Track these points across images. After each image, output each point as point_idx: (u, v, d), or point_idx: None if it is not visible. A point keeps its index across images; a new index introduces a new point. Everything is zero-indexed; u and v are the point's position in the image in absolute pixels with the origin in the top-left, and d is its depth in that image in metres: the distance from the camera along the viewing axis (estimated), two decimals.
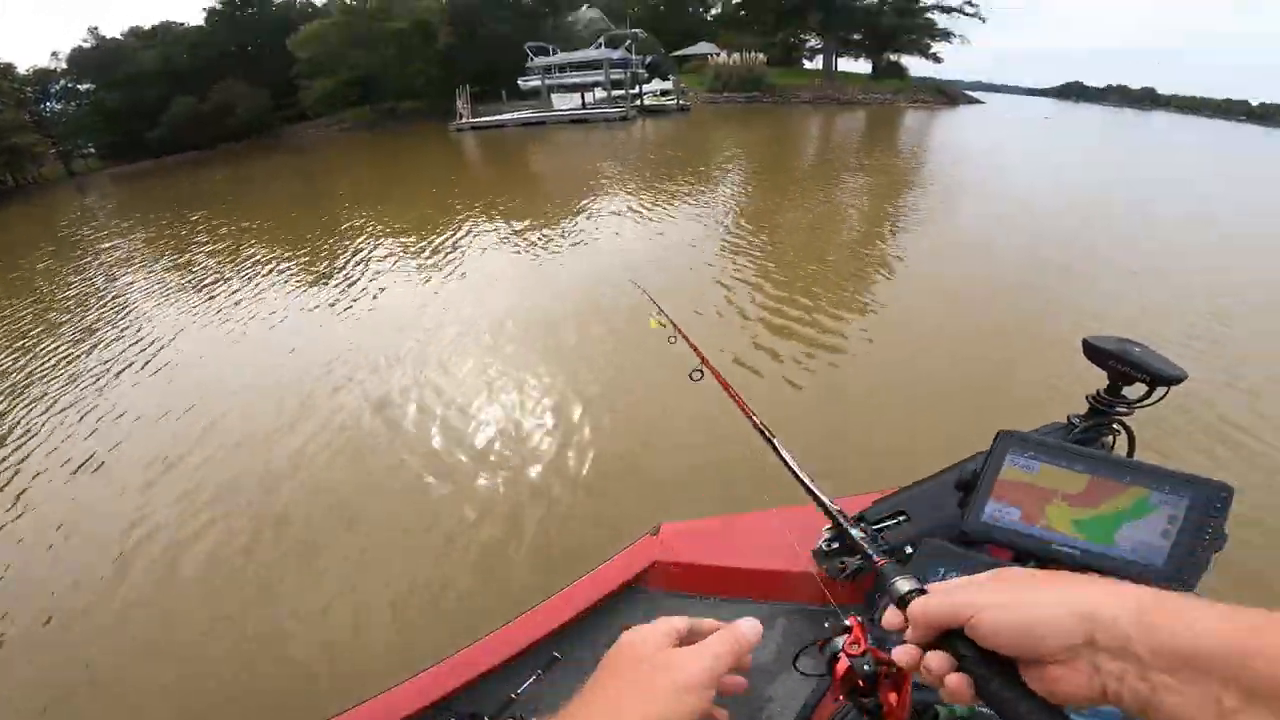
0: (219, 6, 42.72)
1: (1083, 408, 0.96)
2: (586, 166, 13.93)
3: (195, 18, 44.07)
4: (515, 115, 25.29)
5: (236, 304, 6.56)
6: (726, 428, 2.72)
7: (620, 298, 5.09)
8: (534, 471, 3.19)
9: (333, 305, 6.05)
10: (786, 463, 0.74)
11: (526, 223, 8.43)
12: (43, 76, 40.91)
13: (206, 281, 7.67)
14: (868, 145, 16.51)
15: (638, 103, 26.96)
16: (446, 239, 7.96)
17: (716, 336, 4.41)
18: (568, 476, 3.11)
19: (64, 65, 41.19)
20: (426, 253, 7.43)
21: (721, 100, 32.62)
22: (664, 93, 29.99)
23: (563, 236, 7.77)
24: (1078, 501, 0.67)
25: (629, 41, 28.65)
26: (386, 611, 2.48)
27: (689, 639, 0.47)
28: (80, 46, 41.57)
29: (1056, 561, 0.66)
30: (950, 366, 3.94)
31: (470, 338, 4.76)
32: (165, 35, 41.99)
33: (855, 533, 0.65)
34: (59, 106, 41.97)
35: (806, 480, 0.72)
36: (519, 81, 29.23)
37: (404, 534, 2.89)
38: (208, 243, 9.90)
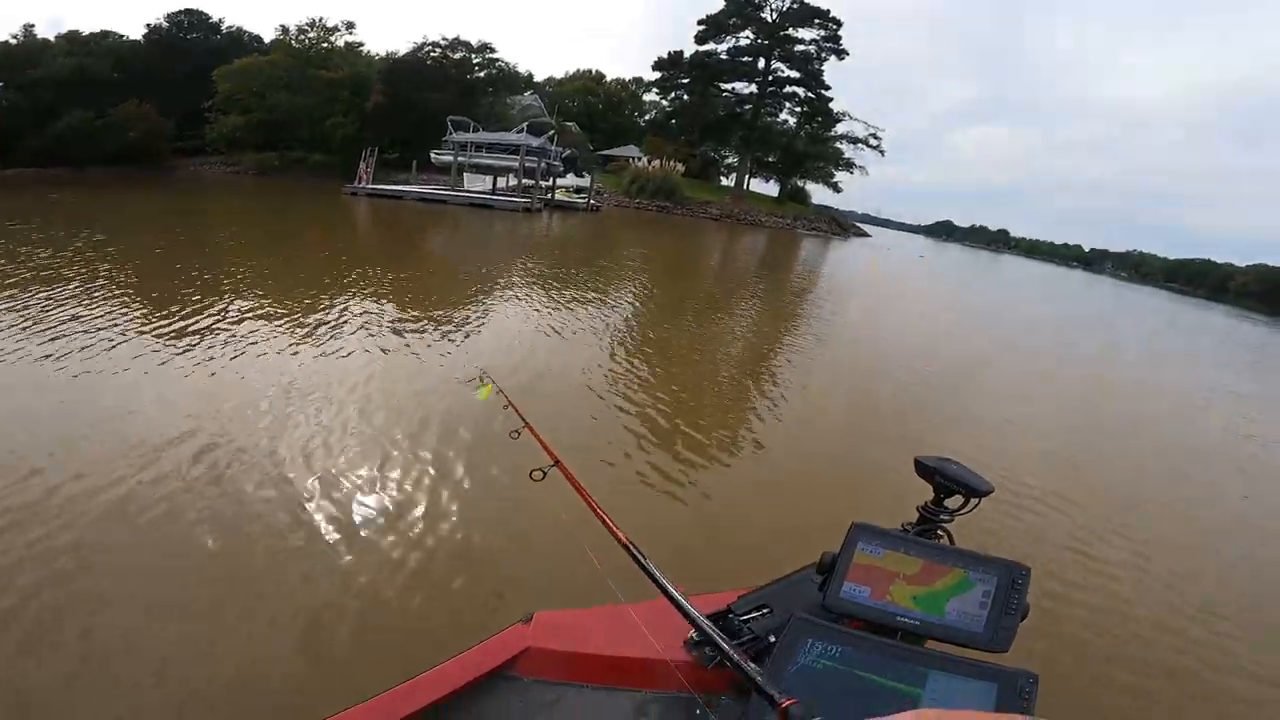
0: (164, 24, 39.51)
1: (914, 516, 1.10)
2: (475, 253, 13.55)
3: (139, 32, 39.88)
4: (416, 189, 24.16)
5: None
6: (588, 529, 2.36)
7: (475, 399, 4.27)
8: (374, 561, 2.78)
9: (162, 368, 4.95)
10: (649, 572, 0.84)
11: (392, 305, 7.76)
12: None
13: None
14: (765, 270, 17.51)
15: (548, 196, 26.69)
16: (309, 314, 6.95)
17: (576, 439, 4.22)
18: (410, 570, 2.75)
19: None
20: (277, 329, 6.26)
21: (633, 205, 33.25)
22: (578, 189, 30.03)
23: (425, 324, 7.04)
24: (914, 580, 0.80)
25: (552, 131, 28.44)
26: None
27: None
28: (7, 42, 36.79)
29: (900, 631, 0.78)
30: (809, 480, 4.26)
31: (313, 427, 4.05)
32: (97, 46, 37.92)
33: (719, 639, 0.79)
34: None
35: (669, 587, 0.82)
36: (431, 154, 27.94)
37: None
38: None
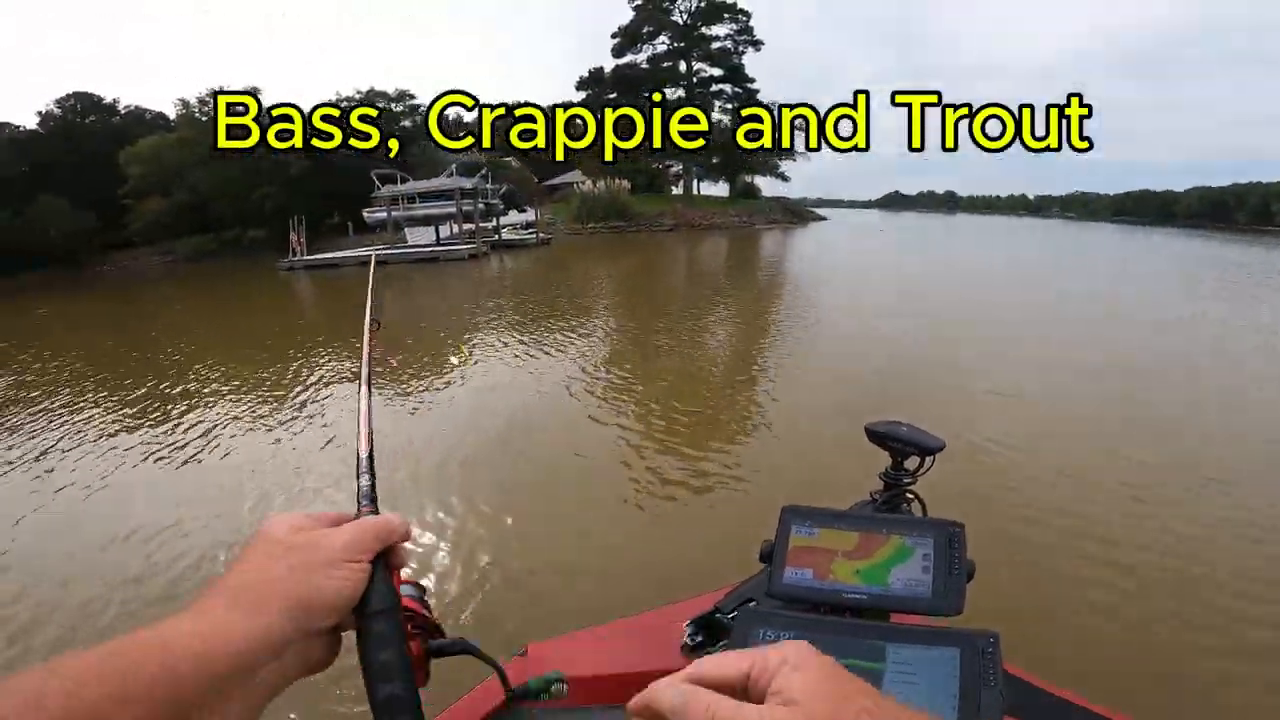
0: (56, 111, 36.87)
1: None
2: (416, 318, 11.65)
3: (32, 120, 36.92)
4: (353, 253, 22.39)
5: None
6: None
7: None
8: None
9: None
10: None
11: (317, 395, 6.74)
12: None
13: None
14: (730, 273, 15.87)
15: (496, 236, 25.09)
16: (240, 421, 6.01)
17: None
18: None
19: None
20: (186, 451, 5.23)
21: (586, 231, 31.81)
22: (526, 225, 28.42)
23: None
24: (854, 555, 0.78)
25: (484, 169, 26.67)
26: None
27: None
28: None
29: (849, 609, 0.76)
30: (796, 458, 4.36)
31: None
32: None
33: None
34: None
35: None
36: (364, 214, 25.84)
37: None
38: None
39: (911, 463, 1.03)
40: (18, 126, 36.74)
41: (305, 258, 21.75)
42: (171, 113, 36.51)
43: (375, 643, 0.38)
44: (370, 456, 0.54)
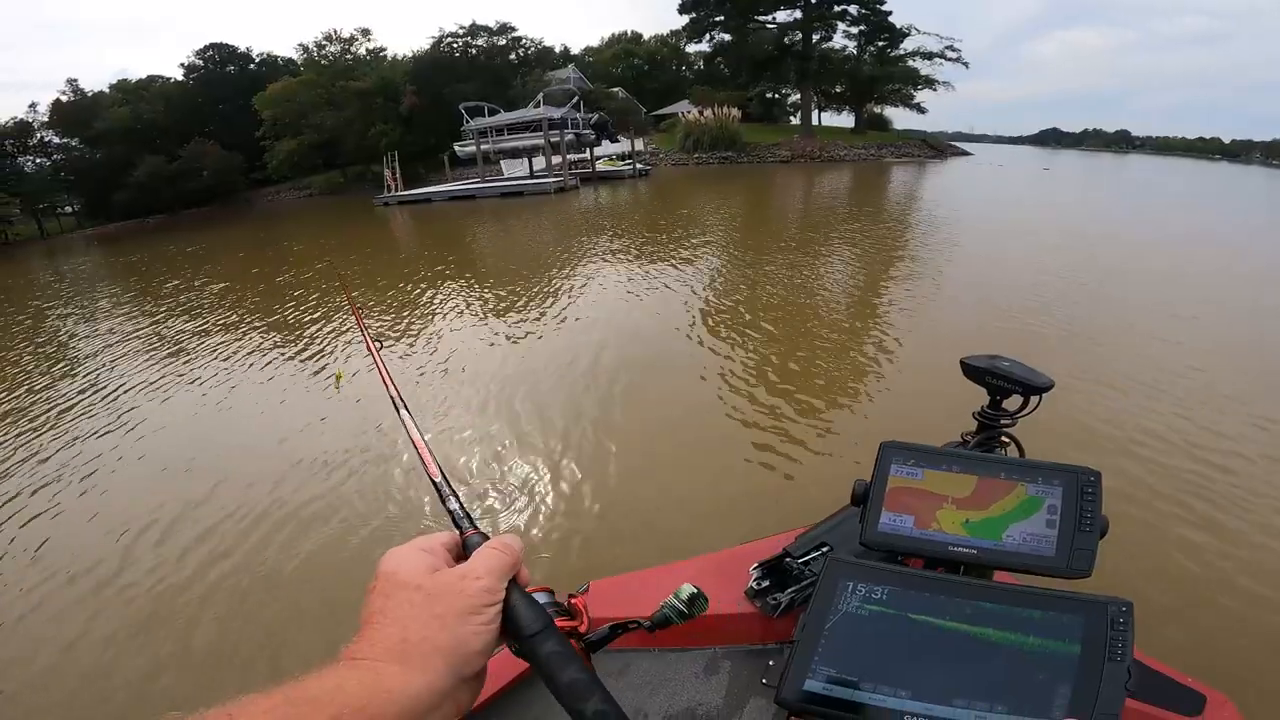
0: (199, 63, 39.17)
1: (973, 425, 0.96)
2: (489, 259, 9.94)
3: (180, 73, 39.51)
4: (445, 188, 21.03)
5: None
6: None
7: None
8: None
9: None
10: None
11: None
12: (22, 129, 37.02)
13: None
14: (856, 216, 11.80)
15: (587, 169, 22.54)
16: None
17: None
18: None
19: (44, 118, 37.36)
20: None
21: (691, 162, 28.29)
22: (622, 156, 25.44)
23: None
24: (966, 504, 0.66)
25: (575, 98, 23.87)
26: None
27: (449, 552, 0.44)
28: (58, 99, 37.84)
29: (957, 563, 0.66)
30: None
31: None
32: (146, 91, 38.23)
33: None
34: (37, 162, 37.95)
35: None
36: (455, 147, 24.24)
37: None
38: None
39: (1012, 404, 0.91)
40: (167, 79, 39.25)
41: (399, 194, 20.77)
42: (301, 59, 37.21)
43: (552, 664, 0.38)
44: (445, 478, 0.53)
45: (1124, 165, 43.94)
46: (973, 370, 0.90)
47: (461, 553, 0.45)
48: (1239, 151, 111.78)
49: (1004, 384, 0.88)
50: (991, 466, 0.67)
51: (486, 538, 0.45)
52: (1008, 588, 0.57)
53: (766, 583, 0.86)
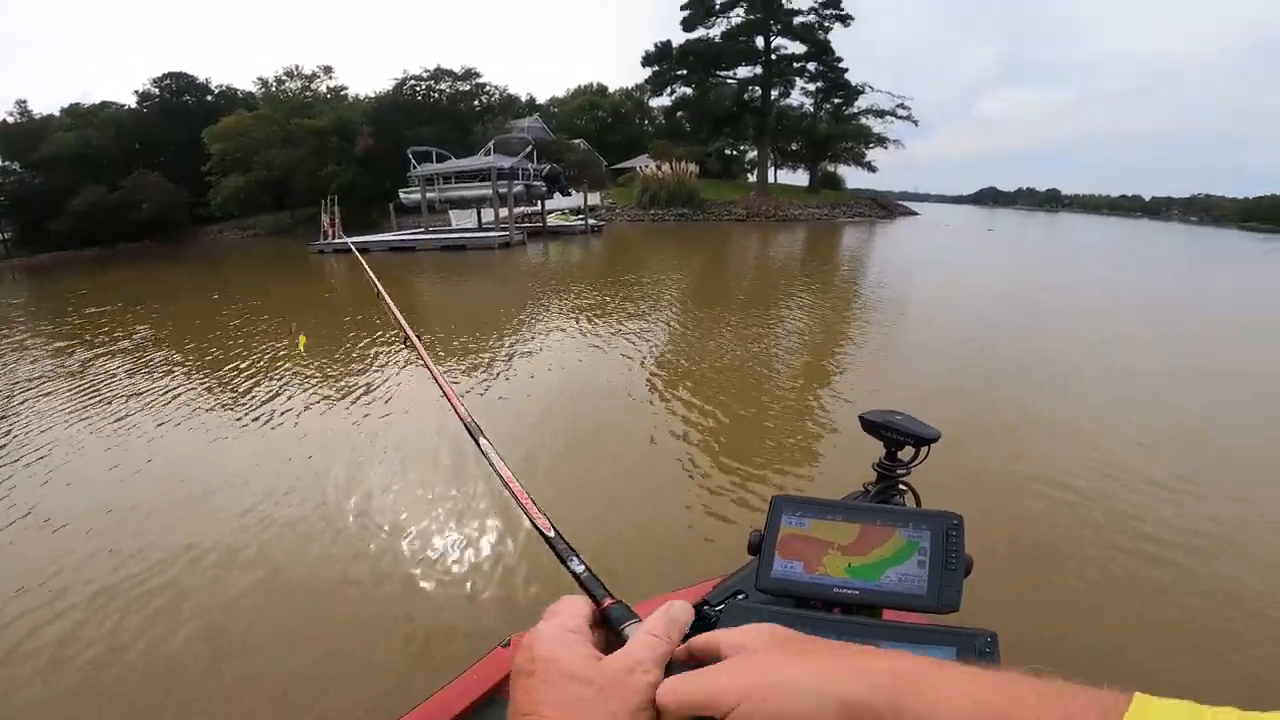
0: (155, 91, 37.15)
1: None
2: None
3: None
4: (384, 237, 19.77)
5: None
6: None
7: None
8: None
9: None
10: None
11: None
12: None
13: None
14: (809, 285, 10.95)
15: (537, 223, 21.71)
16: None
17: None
18: None
19: None
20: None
21: (648, 218, 27.85)
22: (575, 210, 24.73)
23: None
24: (850, 550, 0.71)
25: (529, 147, 22.95)
26: None
27: (597, 627, 0.41)
28: (4, 120, 35.00)
29: (842, 604, 0.70)
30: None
31: None
32: (95, 117, 35.82)
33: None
34: None
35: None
36: (400, 194, 22.80)
37: None
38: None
39: (906, 454, 0.99)
40: (121, 105, 37.21)
41: (334, 241, 19.35)
42: (257, 92, 35.83)
43: None
44: (558, 533, 0.52)
45: (1056, 223, 46.15)
46: (869, 424, 0.97)
47: (602, 624, 0.42)
48: (1159, 209, 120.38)
49: (897, 436, 0.95)
50: (870, 515, 0.72)
51: (629, 608, 0.43)
52: (890, 623, 0.60)
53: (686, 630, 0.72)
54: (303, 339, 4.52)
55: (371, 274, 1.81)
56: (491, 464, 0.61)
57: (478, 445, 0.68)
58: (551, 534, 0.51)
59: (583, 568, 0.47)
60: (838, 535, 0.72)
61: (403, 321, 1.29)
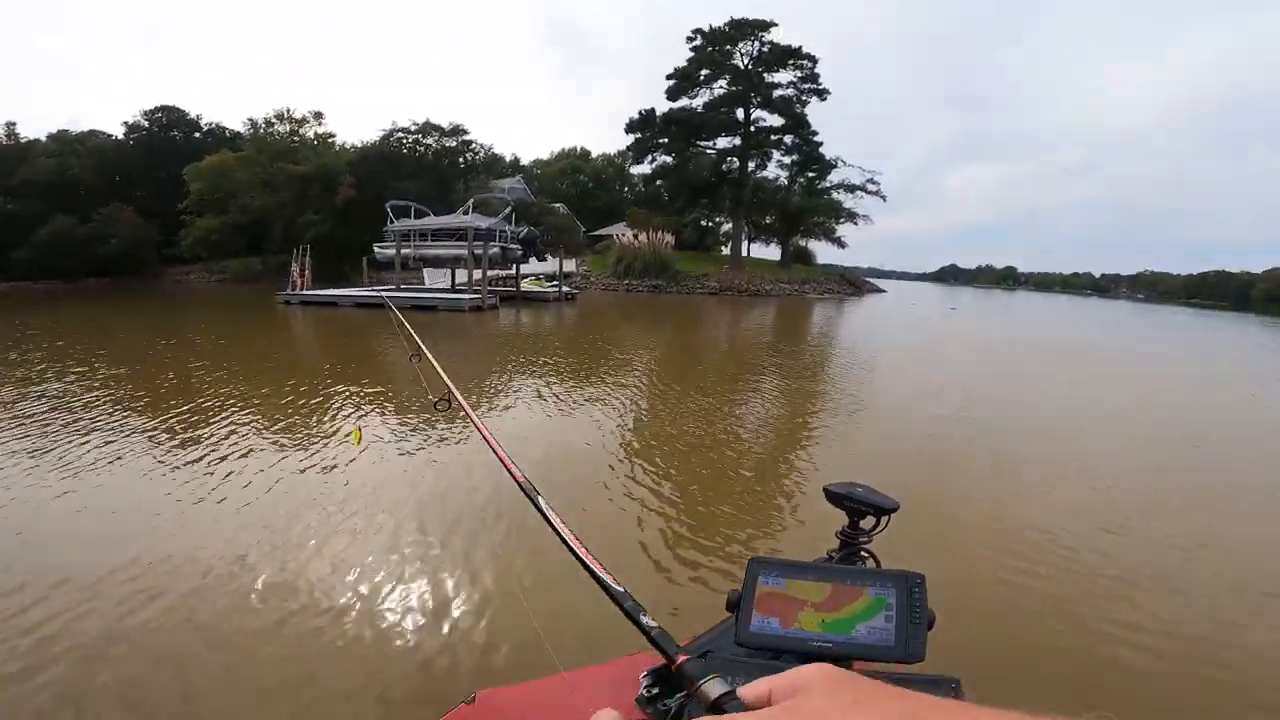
0: (143, 123, 36.77)
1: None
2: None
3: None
4: (353, 292, 19.48)
5: None
6: None
7: None
8: None
9: None
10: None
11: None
12: None
13: None
14: (780, 367, 10.86)
15: (511, 287, 21.73)
16: None
17: None
18: None
19: None
20: None
21: (622, 288, 28.21)
22: (550, 276, 24.96)
23: None
24: (823, 607, 0.76)
25: (509, 209, 23.04)
26: None
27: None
28: None
29: (815, 656, 0.74)
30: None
31: None
32: (82, 146, 35.09)
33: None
34: None
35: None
36: (375, 248, 22.65)
37: None
38: None
39: (868, 523, 1.03)
40: (109, 135, 36.84)
41: (303, 293, 18.98)
42: (245, 133, 35.88)
43: None
44: (625, 590, 0.54)
45: (1013, 301, 48.34)
46: (833, 496, 1.02)
47: (676, 679, 0.43)
48: (1108, 286, 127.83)
49: (859, 506, 1.00)
50: (841, 575, 0.78)
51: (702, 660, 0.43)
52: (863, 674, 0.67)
53: (656, 689, 0.86)
54: (357, 433, 4.71)
55: (410, 328, 1.97)
56: (551, 524, 0.64)
57: (537, 507, 0.73)
58: (618, 589, 0.55)
59: (654, 624, 0.49)
60: (811, 594, 0.77)
61: (449, 382, 1.39)
